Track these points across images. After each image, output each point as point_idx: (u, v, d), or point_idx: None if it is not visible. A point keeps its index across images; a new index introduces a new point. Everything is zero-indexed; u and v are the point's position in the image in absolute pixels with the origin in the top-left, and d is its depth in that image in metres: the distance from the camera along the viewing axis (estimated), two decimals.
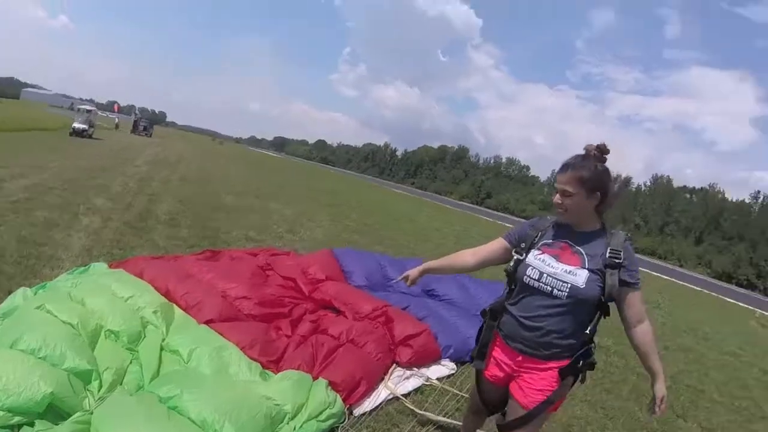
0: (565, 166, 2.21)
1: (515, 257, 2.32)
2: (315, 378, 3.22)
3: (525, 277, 2.22)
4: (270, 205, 12.04)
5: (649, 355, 2.19)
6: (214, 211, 9.44)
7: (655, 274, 24.76)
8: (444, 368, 4.21)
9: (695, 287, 23.70)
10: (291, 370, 3.24)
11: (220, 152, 45.40)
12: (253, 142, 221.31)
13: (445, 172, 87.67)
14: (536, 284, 2.18)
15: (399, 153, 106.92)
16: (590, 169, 2.17)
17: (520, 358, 2.26)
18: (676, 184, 68.70)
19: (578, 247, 2.20)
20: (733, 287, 41.69)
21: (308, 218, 11.27)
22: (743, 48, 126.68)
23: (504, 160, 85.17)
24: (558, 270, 2.15)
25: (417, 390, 3.81)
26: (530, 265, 2.23)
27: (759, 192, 59.71)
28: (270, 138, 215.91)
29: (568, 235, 2.25)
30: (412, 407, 3.46)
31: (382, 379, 3.68)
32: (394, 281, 3.34)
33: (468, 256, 2.50)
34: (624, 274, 2.13)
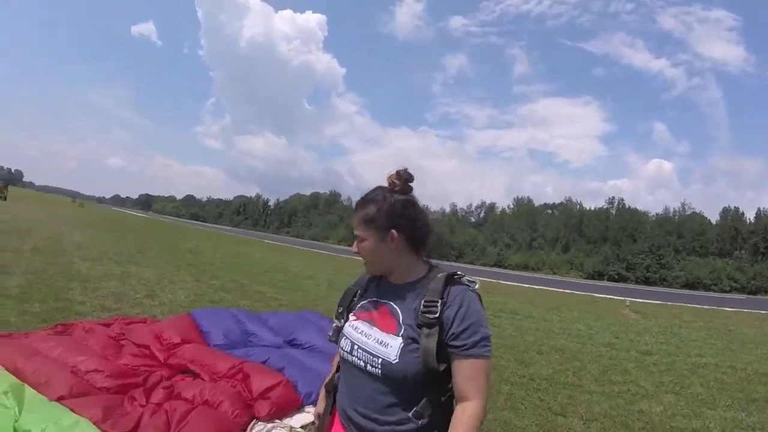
0: (354, 208, 1.80)
1: (334, 324, 1.89)
2: None
3: (340, 349, 1.78)
4: (130, 270, 11.10)
5: None
6: (69, 281, 8.67)
7: (527, 285, 26.35)
8: (308, 415, 4.06)
9: (567, 290, 25.50)
10: None
11: (80, 215, 42.27)
12: (118, 201, 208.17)
13: (320, 218, 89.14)
14: (349, 358, 1.72)
15: (271, 203, 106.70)
16: (378, 202, 1.71)
17: None
18: (537, 202, 77.38)
19: (396, 306, 1.69)
20: (605, 283, 45.77)
21: (170, 280, 10.44)
22: (585, 77, 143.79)
23: None
24: (370, 340, 1.66)
25: None
26: (345, 335, 1.77)
27: (614, 198, 68.92)
28: (135, 196, 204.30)
29: (386, 291, 1.77)
30: None
31: None
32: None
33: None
34: (448, 335, 1.57)
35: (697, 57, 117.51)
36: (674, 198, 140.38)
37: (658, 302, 22.12)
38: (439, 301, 1.58)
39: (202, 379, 4.26)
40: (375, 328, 1.67)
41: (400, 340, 1.59)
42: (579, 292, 24.79)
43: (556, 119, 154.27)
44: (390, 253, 1.71)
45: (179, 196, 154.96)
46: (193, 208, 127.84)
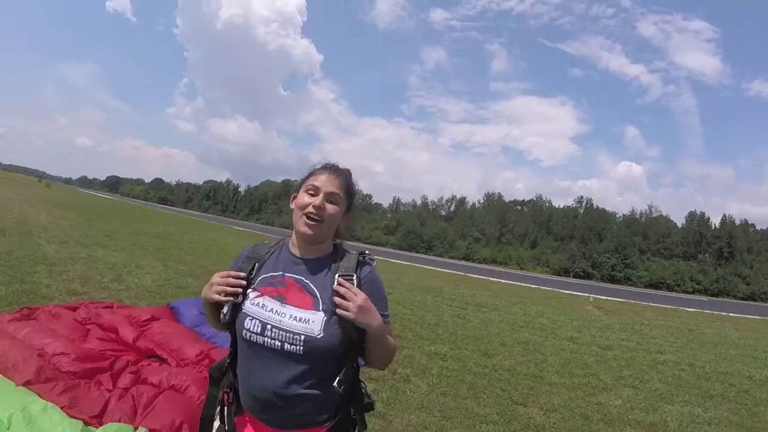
0: (332, 169, 1.79)
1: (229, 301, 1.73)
2: (136, 428, 3.06)
3: (244, 331, 1.65)
4: (96, 253, 10.92)
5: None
6: (35, 264, 8.51)
7: (494, 279, 26.84)
8: None
9: (532, 285, 25.92)
10: (111, 423, 3.06)
11: (47, 196, 41.10)
12: (85, 182, 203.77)
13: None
14: (260, 339, 1.62)
15: (242, 189, 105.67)
16: (352, 183, 1.82)
17: None
18: (507, 198, 78.93)
19: (307, 281, 1.69)
20: (571, 280, 46.60)
21: (137, 265, 10.32)
22: (562, 77, 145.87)
23: None
24: (285, 318, 1.61)
25: None
26: (249, 315, 1.65)
27: (582, 197, 70.38)
28: (102, 178, 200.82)
29: (292, 265, 1.74)
30: None
31: None
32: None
33: None
34: None
35: (674, 65, 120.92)
36: (642, 200, 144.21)
37: (622, 300, 22.84)
38: (354, 275, 1.67)
39: (168, 364, 4.18)
40: (288, 305, 1.64)
41: (321, 314, 1.61)
42: (544, 288, 25.29)
43: (531, 117, 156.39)
44: (336, 225, 1.78)
45: (148, 179, 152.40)
46: (161, 192, 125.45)
